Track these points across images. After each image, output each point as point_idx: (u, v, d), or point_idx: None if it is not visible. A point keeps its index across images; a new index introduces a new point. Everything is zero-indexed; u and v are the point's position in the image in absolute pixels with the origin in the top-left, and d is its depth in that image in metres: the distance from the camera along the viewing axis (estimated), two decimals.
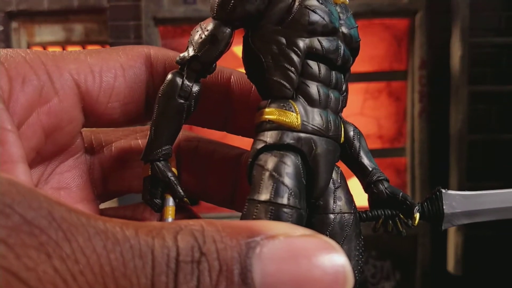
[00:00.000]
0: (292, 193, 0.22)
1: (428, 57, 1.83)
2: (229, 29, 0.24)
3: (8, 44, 2.04)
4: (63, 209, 0.16)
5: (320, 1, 0.24)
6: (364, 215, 0.27)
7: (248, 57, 0.25)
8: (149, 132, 0.26)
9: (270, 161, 0.22)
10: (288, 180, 0.22)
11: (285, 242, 0.16)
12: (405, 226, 0.28)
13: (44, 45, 2.08)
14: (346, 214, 0.25)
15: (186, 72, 0.25)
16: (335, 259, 0.17)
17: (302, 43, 0.24)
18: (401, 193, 0.27)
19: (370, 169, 0.27)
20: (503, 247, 1.78)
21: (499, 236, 1.74)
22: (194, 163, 0.29)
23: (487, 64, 1.78)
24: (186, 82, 0.25)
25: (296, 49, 0.24)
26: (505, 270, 1.76)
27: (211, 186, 0.30)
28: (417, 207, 0.27)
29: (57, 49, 2.08)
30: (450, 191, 0.28)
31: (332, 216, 0.25)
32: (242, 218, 0.22)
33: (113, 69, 0.27)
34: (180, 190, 0.26)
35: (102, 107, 0.27)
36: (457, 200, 0.28)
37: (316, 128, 0.24)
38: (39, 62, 0.25)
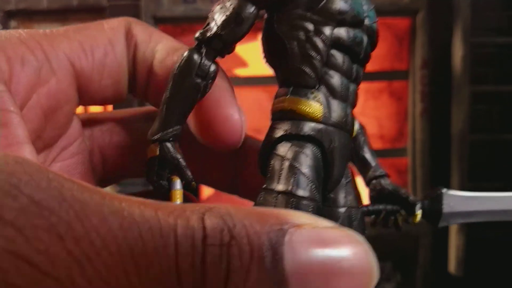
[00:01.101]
0: (313, 186, 0.21)
1: (430, 56, 1.82)
2: (254, 9, 0.23)
3: None
4: (74, 187, 0.15)
5: None
6: (366, 209, 0.27)
7: (269, 42, 0.24)
8: (160, 110, 0.24)
9: (290, 151, 0.22)
10: (309, 172, 0.21)
11: (312, 232, 0.16)
12: (404, 223, 0.28)
13: None
14: (354, 209, 0.25)
15: (205, 50, 0.24)
16: (363, 253, 0.16)
17: (329, 32, 0.23)
18: (403, 190, 0.27)
19: (373, 164, 0.27)
20: (504, 248, 1.78)
21: (501, 237, 1.74)
22: (193, 146, 0.28)
23: (489, 64, 1.77)
24: (205, 60, 0.24)
25: (323, 38, 0.23)
26: (506, 271, 1.75)
27: (211, 170, 0.29)
28: (419, 204, 0.27)
29: None
30: (450, 191, 0.28)
31: (341, 209, 0.24)
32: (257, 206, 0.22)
33: (103, 46, 0.26)
34: (189, 173, 0.25)
35: (95, 85, 0.26)
36: (456, 200, 0.28)
37: (336, 120, 0.23)
38: (35, 42, 0.24)
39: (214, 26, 0.23)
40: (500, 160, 1.78)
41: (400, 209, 0.27)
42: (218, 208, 0.16)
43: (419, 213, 0.27)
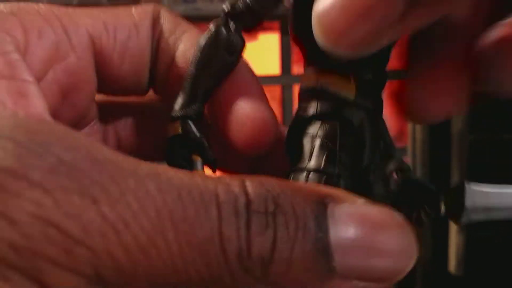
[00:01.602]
0: (345, 164, 0.21)
1: None
2: None
3: None
4: (105, 149, 0.14)
5: None
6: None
7: (302, 15, 0.23)
8: (183, 86, 0.23)
9: (321, 129, 0.22)
10: (340, 151, 0.21)
11: (353, 208, 0.16)
12: (426, 217, 0.27)
13: None
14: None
15: (233, 23, 0.23)
16: (405, 233, 0.16)
17: None
18: (424, 182, 0.27)
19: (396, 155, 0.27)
20: (505, 248, 1.78)
21: (501, 236, 1.74)
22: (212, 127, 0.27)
23: None
24: (233, 34, 0.23)
25: None
26: (507, 271, 1.75)
27: (230, 152, 0.27)
28: (442, 197, 0.26)
29: None
30: (473, 186, 0.28)
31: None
32: None
33: (127, 28, 0.25)
34: (211, 153, 0.24)
35: (116, 70, 0.25)
36: (479, 195, 0.28)
37: (369, 104, 0.23)
38: (54, 16, 0.23)
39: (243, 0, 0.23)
40: (500, 160, 1.78)
41: (423, 204, 0.26)
42: (258, 177, 0.15)
43: (442, 206, 0.26)
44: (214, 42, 0.22)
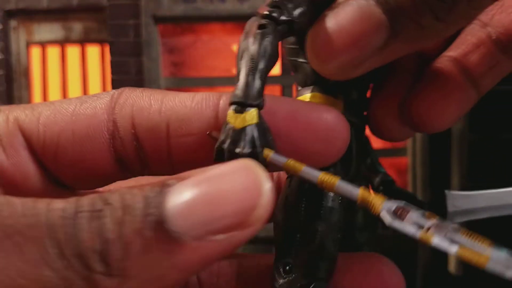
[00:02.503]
0: (334, 174, 0.22)
1: None
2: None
3: (7, 43, 2.03)
4: None
5: None
6: None
7: (296, 45, 0.25)
8: (245, 77, 0.21)
9: None
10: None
11: (199, 174, 0.16)
12: None
13: (43, 44, 2.07)
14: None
15: (273, 30, 0.23)
16: (248, 173, 0.17)
17: None
18: (409, 192, 0.29)
19: (382, 170, 0.28)
20: (504, 247, 1.78)
21: (500, 236, 1.73)
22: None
23: None
24: (278, 33, 0.23)
25: None
26: None
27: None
28: (425, 206, 0.28)
29: (56, 47, 2.08)
30: (453, 192, 0.30)
31: None
32: None
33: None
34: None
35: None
36: (459, 199, 0.30)
37: (354, 118, 0.24)
38: None
39: (289, 11, 0.23)
40: (500, 160, 1.78)
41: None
42: (101, 192, 0.16)
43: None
44: (274, 40, 0.22)
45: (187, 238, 0.15)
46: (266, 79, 0.22)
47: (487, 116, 1.78)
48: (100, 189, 0.25)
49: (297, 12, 0.23)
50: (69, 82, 2.09)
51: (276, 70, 1.99)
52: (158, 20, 1.88)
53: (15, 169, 0.22)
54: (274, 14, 0.22)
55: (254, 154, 0.20)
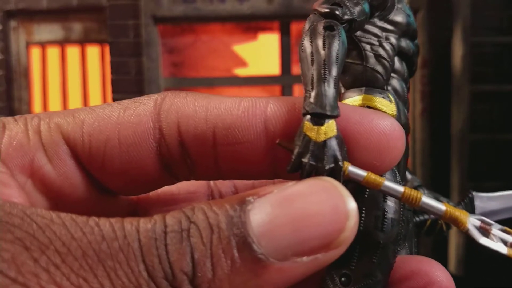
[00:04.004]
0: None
1: (430, 56, 1.82)
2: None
3: (7, 43, 2.03)
4: (37, 209, 0.16)
5: (408, 7, 0.25)
6: (416, 219, 0.28)
7: None
8: (317, 86, 0.20)
9: None
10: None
11: (279, 192, 0.16)
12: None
13: (43, 44, 2.07)
14: (409, 212, 0.25)
15: (337, 27, 0.22)
16: (330, 194, 0.16)
17: (394, 40, 0.25)
18: (441, 197, 0.29)
19: (410, 176, 0.29)
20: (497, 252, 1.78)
21: None
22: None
23: (488, 63, 1.77)
24: (343, 32, 0.22)
25: (392, 43, 0.25)
26: (506, 270, 1.75)
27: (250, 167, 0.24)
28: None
29: (56, 48, 2.08)
30: (480, 193, 0.30)
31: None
32: None
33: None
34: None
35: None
36: (485, 201, 0.30)
37: (403, 122, 0.24)
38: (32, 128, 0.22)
39: (350, 10, 0.22)
40: (500, 160, 1.78)
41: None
42: (183, 207, 0.16)
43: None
44: (343, 43, 0.21)
45: (272, 260, 0.15)
46: (339, 85, 0.21)
47: (487, 117, 1.78)
48: (147, 194, 0.25)
49: (357, 10, 0.22)
50: (69, 82, 2.09)
51: (276, 70, 1.99)
52: (158, 20, 1.88)
53: (63, 179, 0.22)
54: (337, 13, 0.22)
55: (337, 169, 0.19)
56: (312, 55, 0.20)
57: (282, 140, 0.20)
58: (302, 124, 0.19)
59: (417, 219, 0.28)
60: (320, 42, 0.20)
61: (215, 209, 0.16)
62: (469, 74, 1.73)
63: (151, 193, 0.25)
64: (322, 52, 0.20)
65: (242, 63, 1.98)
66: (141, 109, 0.22)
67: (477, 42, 1.74)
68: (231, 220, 0.15)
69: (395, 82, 0.25)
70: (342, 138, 0.20)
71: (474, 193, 0.30)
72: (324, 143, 0.19)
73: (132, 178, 0.22)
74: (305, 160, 0.19)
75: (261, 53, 1.99)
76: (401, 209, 0.22)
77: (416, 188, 0.28)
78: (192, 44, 1.98)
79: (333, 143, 0.19)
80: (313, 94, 0.20)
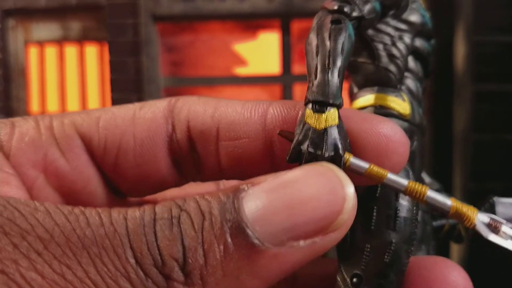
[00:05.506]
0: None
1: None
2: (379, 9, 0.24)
3: (5, 42, 2.03)
4: (22, 200, 0.15)
5: (423, 6, 0.25)
6: (432, 225, 0.27)
7: (356, 44, 0.24)
8: (321, 75, 0.19)
9: None
10: None
11: (273, 179, 0.16)
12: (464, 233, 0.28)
13: (41, 43, 2.07)
14: (426, 215, 0.25)
15: (344, 21, 0.21)
16: (330, 177, 0.16)
17: (409, 40, 0.25)
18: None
19: (427, 179, 0.29)
20: (505, 248, 1.77)
21: None
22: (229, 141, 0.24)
23: (491, 62, 1.76)
24: (351, 26, 0.22)
25: (406, 43, 0.25)
26: (507, 271, 1.75)
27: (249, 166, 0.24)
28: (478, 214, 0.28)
29: (54, 47, 2.07)
30: (501, 199, 0.29)
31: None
32: None
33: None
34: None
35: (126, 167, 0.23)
36: (507, 206, 0.29)
37: (418, 122, 0.24)
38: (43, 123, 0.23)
39: (359, 7, 0.22)
40: (503, 160, 1.77)
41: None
42: (175, 199, 0.16)
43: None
44: (350, 36, 0.20)
45: (267, 245, 0.15)
46: (343, 76, 0.20)
47: (490, 117, 1.77)
48: (151, 196, 0.25)
49: (366, 8, 0.22)
50: (67, 81, 2.09)
51: (276, 70, 1.98)
52: (157, 19, 1.87)
53: (76, 174, 0.22)
54: (346, 10, 0.21)
55: (337, 158, 0.18)
56: (317, 47, 0.20)
57: (283, 130, 0.20)
58: (303, 113, 0.19)
59: (435, 223, 0.27)
60: (326, 35, 0.20)
61: (207, 197, 0.16)
62: (472, 74, 1.72)
63: (158, 199, 0.25)
64: (327, 43, 0.20)
65: (242, 62, 1.98)
66: (155, 107, 0.22)
67: (479, 41, 1.73)
68: (223, 206, 0.15)
69: (410, 82, 0.25)
70: (345, 130, 0.19)
71: (495, 198, 0.28)
72: (324, 131, 0.19)
73: (144, 174, 0.22)
74: (304, 147, 0.18)
75: (261, 52, 1.98)
76: (414, 208, 0.21)
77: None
78: (191, 43, 1.97)
79: (334, 132, 0.19)
80: (315, 82, 0.19)
